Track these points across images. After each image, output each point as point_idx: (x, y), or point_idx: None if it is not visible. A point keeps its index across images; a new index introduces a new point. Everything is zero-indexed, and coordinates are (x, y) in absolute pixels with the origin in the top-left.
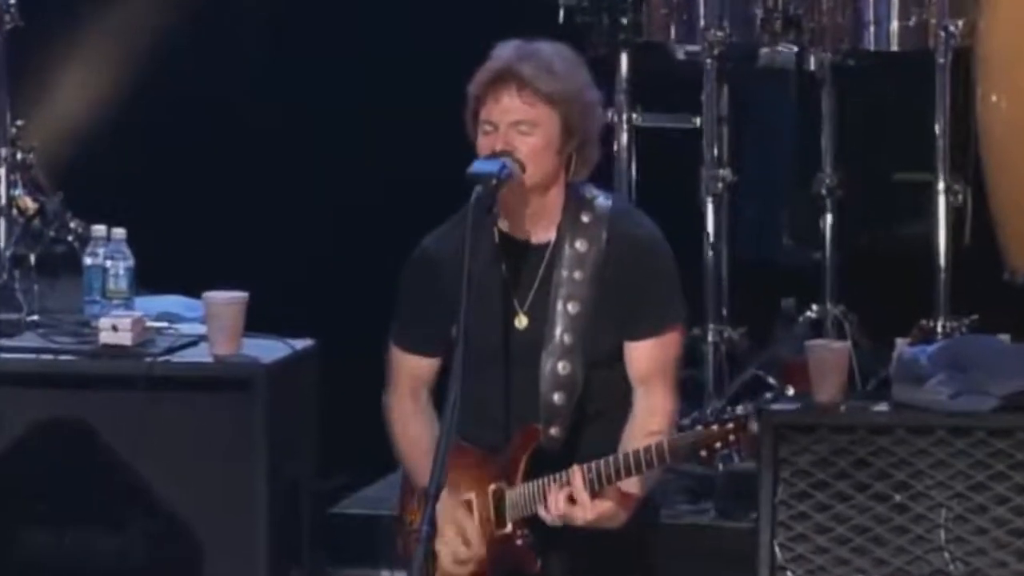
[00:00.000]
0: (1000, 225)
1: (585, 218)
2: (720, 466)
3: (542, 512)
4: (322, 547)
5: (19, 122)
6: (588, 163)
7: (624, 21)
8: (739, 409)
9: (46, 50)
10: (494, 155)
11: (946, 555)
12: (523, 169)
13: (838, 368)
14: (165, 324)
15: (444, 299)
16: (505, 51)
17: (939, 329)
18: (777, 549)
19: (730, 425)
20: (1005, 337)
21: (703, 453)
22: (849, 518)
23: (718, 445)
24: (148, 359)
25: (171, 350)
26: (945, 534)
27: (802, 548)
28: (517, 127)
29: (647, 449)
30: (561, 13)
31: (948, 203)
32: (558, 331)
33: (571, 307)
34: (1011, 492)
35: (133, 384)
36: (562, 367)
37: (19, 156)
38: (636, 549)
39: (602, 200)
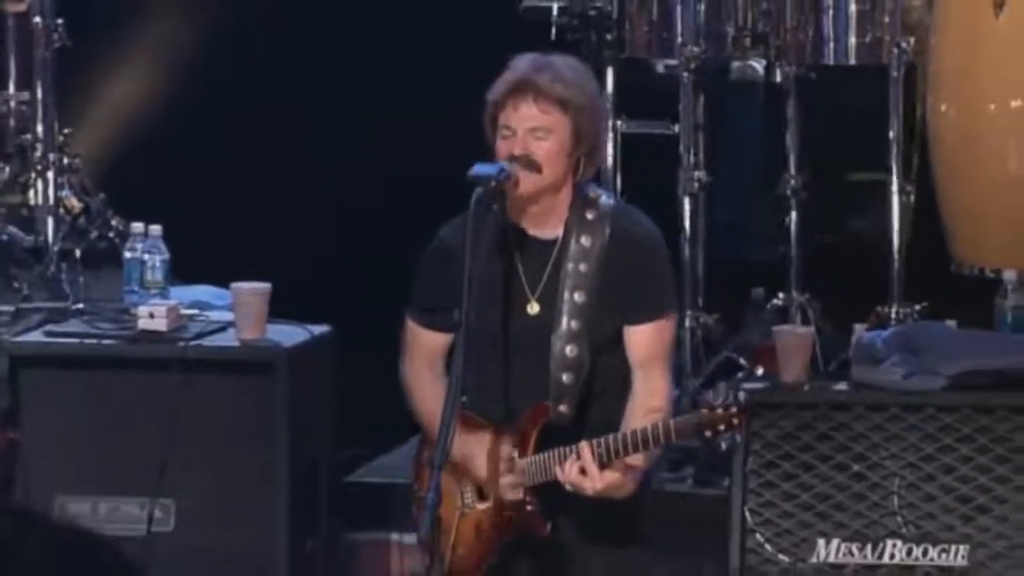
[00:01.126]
0: (948, 221)
1: (590, 215)
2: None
3: (560, 475)
4: (338, 514)
5: (66, 130)
6: (595, 165)
7: (609, 38)
8: (740, 395)
9: (90, 66)
10: (511, 159)
11: (899, 519)
12: (539, 171)
13: (803, 351)
14: (197, 312)
15: (456, 284)
16: (522, 63)
17: (893, 316)
18: (747, 514)
19: (734, 409)
20: (952, 323)
21: (707, 434)
22: (812, 486)
23: (721, 427)
24: (181, 343)
25: (202, 335)
26: (898, 500)
27: (770, 513)
28: (534, 133)
29: (653, 427)
30: (553, 31)
31: (901, 201)
32: (566, 318)
33: (578, 296)
34: (957, 462)
35: (167, 366)
36: (570, 350)
37: (66, 161)
38: (637, 516)
39: (605, 199)
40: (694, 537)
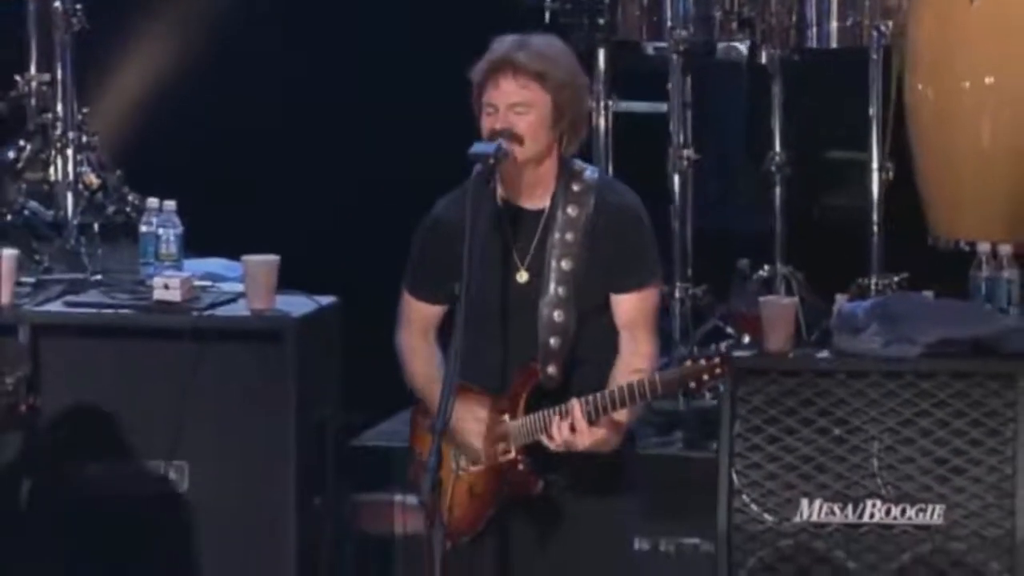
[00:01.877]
0: (925, 197)
1: (575, 187)
2: (681, 402)
3: (546, 441)
4: (344, 476)
5: (85, 110)
6: (578, 138)
7: (601, 22)
8: (723, 346)
9: (107, 49)
10: (495, 134)
11: (879, 480)
12: (521, 143)
13: (787, 320)
14: (209, 283)
15: (451, 258)
16: (503, 43)
17: (873, 287)
18: (734, 476)
19: (716, 359)
20: (929, 293)
21: (692, 385)
22: (796, 449)
23: (705, 377)
24: (194, 313)
25: (214, 305)
26: (878, 463)
27: (756, 475)
28: (514, 108)
29: (640, 383)
30: (547, 15)
31: (880, 178)
32: (553, 285)
33: (564, 264)
34: (934, 426)
35: (181, 335)
36: (557, 315)
37: (85, 139)
38: (623, 471)
39: (590, 172)
40: (683, 498)
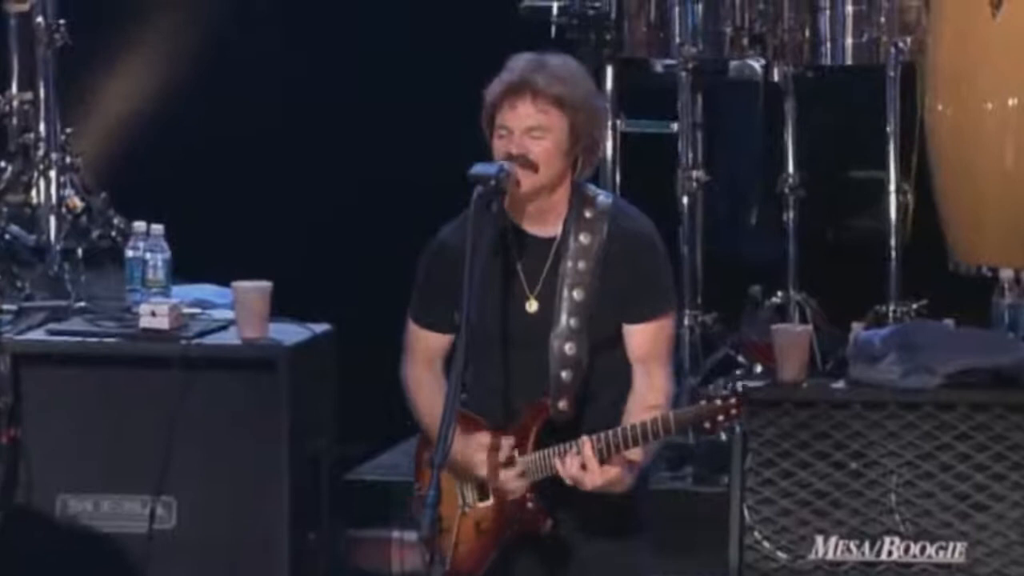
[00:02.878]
0: (946, 220)
1: (588, 214)
2: (691, 436)
3: (560, 471)
4: (339, 510)
5: (68, 130)
6: (592, 164)
7: (609, 38)
8: (739, 386)
9: (91, 66)
10: (509, 158)
11: (897, 516)
12: (536, 170)
13: (800, 349)
14: (198, 310)
15: (456, 285)
16: (519, 63)
17: (891, 314)
18: (746, 511)
19: (732, 399)
20: (950, 321)
21: (706, 425)
22: (810, 483)
23: (721, 418)
24: (183, 342)
25: (203, 334)
26: (896, 497)
27: (768, 511)
28: (531, 132)
29: (653, 421)
30: (553, 30)
31: (898, 200)
32: (564, 315)
33: (576, 294)
34: (954, 460)
35: (169, 364)
36: (569, 348)
37: (68, 160)
38: (634, 510)
39: (603, 198)
40: (694, 534)
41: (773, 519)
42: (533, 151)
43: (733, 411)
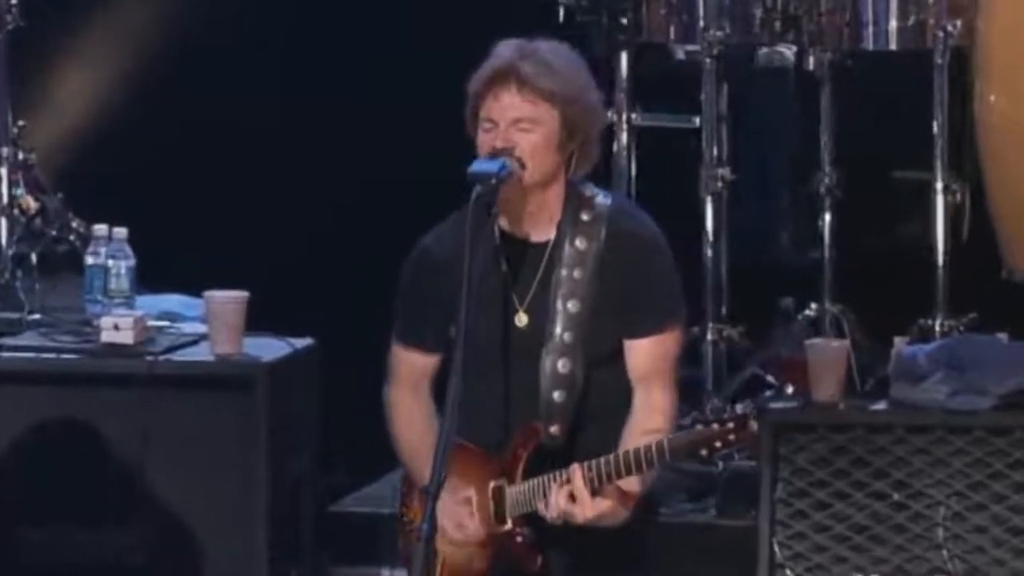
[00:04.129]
0: (999, 223)
1: (585, 216)
2: (720, 464)
3: (542, 510)
4: (322, 545)
5: (21, 123)
6: (589, 161)
7: (624, 21)
8: (739, 408)
9: (47, 52)
10: (495, 153)
11: (944, 553)
12: (523, 166)
13: (837, 367)
14: (166, 323)
15: (444, 298)
16: (506, 50)
17: (937, 328)
18: (776, 547)
19: (730, 425)
20: (1003, 336)
21: (703, 452)
22: (848, 516)
23: (718, 444)
24: (150, 358)
25: (172, 349)
26: (943, 532)
27: (801, 546)
28: (517, 124)
29: (647, 448)
30: (561, 12)
31: (946, 201)
32: (558, 329)
33: (571, 305)
34: (1009, 490)
35: (135, 383)
36: (562, 365)
37: (20, 156)
38: (635, 546)
39: (601, 198)
40: (717, 573)
41: (806, 555)
42: (520, 145)
43: (731, 436)
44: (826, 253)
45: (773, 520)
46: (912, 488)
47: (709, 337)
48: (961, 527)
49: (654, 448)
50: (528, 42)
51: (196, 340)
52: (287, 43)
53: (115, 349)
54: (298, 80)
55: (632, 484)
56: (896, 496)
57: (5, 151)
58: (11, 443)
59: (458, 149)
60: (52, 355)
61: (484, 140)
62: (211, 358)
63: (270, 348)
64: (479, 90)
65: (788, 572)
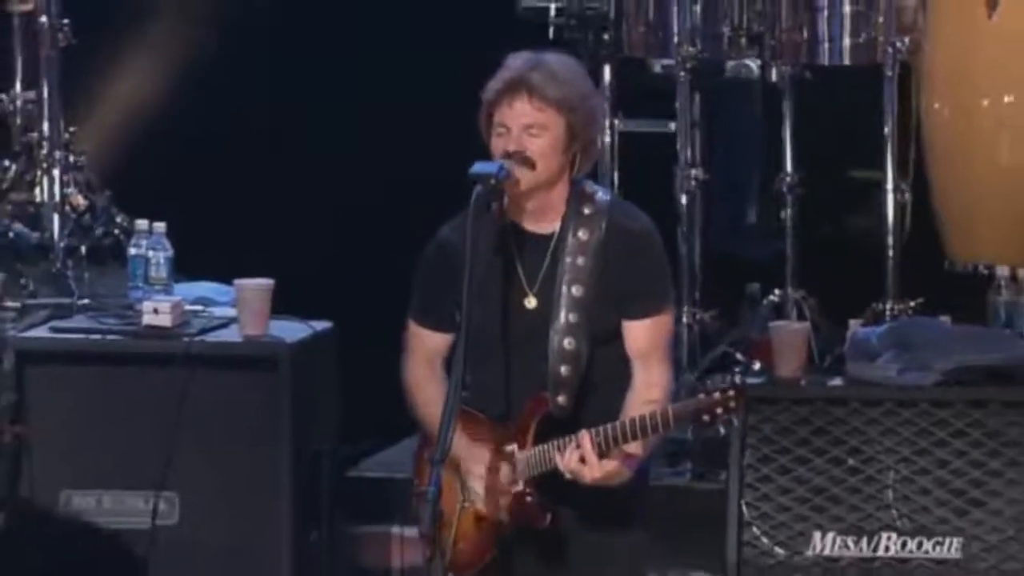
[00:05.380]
0: (942, 219)
1: (586, 210)
2: (690, 432)
3: (560, 465)
4: (341, 507)
5: (72, 128)
6: (590, 161)
7: (607, 38)
8: (737, 379)
9: (95, 65)
10: (506, 156)
11: (894, 512)
12: (533, 167)
13: (799, 346)
14: (200, 308)
15: (456, 284)
16: (517, 61)
17: (888, 312)
18: (744, 507)
19: (731, 392)
20: (946, 319)
21: (705, 418)
22: (808, 480)
23: (719, 411)
24: (185, 339)
25: (205, 331)
26: (893, 494)
27: (766, 507)
28: (528, 130)
29: (652, 415)
30: (551, 30)
31: (895, 199)
32: (563, 311)
33: (575, 290)
34: (951, 456)
35: (172, 361)
36: (568, 343)
37: (71, 159)
38: (633, 505)
39: (601, 195)
40: (692, 530)
41: (771, 515)
42: (530, 148)
43: (732, 404)
44: (788, 245)
45: (742, 483)
46: (865, 454)
47: (684, 320)
48: (908, 489)
49: (659, 415)
50: (537, 54)
51: (227, 323)
52: (309, 49)
53: (155, 331)
54: (319, 84)
55: (635, 448)
56: (851, 462)
57: (58, 155)
58: (60, 415)
59: (466, 148)
60: (98, 336)
61: (497, 144)
62: (240, 339)
63: (293, 330)
64: (493, 98)
65: (755, 530)
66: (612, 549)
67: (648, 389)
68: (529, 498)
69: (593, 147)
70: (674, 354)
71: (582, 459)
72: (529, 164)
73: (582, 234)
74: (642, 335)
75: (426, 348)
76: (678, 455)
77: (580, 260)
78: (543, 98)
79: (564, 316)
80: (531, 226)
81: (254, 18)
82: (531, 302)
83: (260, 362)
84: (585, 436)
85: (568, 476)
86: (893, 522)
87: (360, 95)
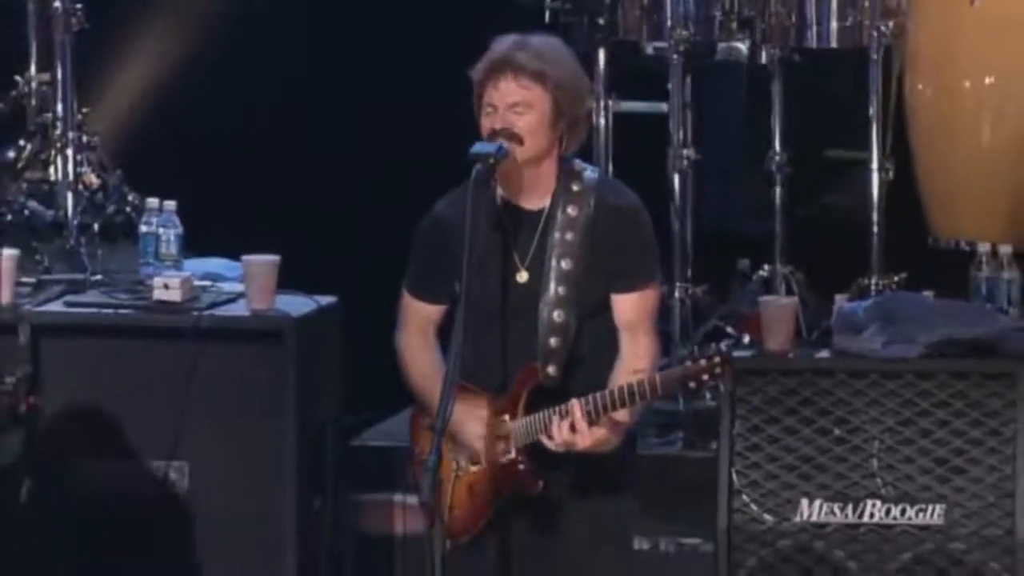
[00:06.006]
0: (925, 196)
1: (575, 187)
2: (681, 403)
3: (546, 441)
4: (344, 475)
5: (85, 110)
6: (578, 139)
7: (601, 21)
8: (723, 345)
9: (107, 49)
10: (494, 133)
11: (879, 480)
12: (520, 143)
13: (787, 320)
14: (209, 283)
15: (451, 257)
16: (503, 43)
17: (873, 286)
18: (734, 475)
19: (716, 359)
20: (929, 293)
21: (691, 385)
22: (796, 449)
23: (706, 377)
24: (195, 313)
25: (214, 305)
26: (877, 463)
27: (756, 475)
28: (514, 108)
29: (640, 383)
30: (547, 14)
31: (880, 177)
32: (553, 284)
33: (564, 264)
34: (933, 426)
35: (181, 335)
36: (557, 315)
37: (84, 139)
38: (622, 471)
39: (589, 172)
40: (683, 498)
41: (760, 482)
42: (516, 125)
43: (718, 370)
44: (777, 222)
45: (732, 452)
46: (851, 424)
47: (676, 295)
48: (893, 458)
49: (647, 383)
50: (522, 36)
51: (234, 298)
52: (315, 28)
53: (165, 306)
54: (324, 64)
55: (623, 415)
56: (837, 431)
57: (71, 135)
58: (74, 387)
59: (463, 130)
60: (111, 311)
61: (486, 122)
62: (247, 314)
63: (298, 305)
64: (480, 79)
65: (744, 497)
66: (603, 513)
67: (635, 359)
68: (522, 466)
69: (580, 124)
70: (660, 326)
71: (572, 427)
72: (517, 139)
73: (571, 210)
74: (629, 307)
75: (420, 318)
76: (669, 425)
77: (569, 235)
78: (527, 76)
79: (554, 289)
80: (522, 202)
81: (265, 3)
82: (523, 276)
83: (267, 335)
84: (576, 405)
85: (557, 447)
86: (878, 490)
87: (363, 76)
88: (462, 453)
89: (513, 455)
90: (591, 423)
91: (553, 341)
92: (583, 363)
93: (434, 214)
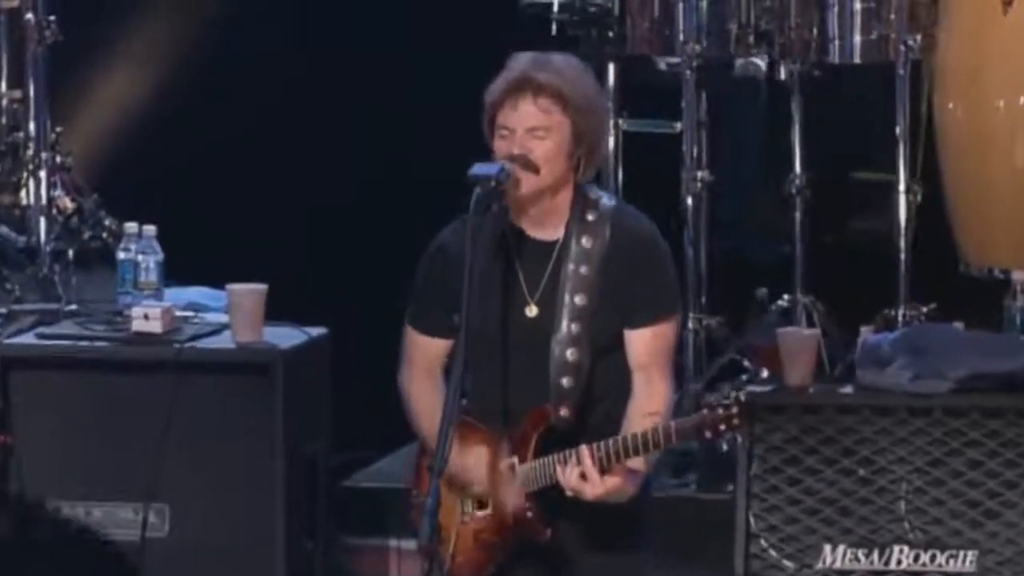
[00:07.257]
0: (955, 222)
1: (590, 217)
2: (697, 443)
3: (561, 481)
4: (336, 518)
5: (58, 129)
6: (595, 166)
7: (611, 35)
8: (741, 395)
9: (82, 64)
10: (510, 159)
11: (906, 524)
12: (537, 171)
13: (807, 353)
14: (192, 313)
15: (454, 289)
16: (521, 62)
17: (900, 317)
18: (752, 519)
19: (734, 409)
20: (960, 325)
21: (707, 434)
22: (817, 491)
23: (722, 427)
24: (176, 345)
25: (197, 337)
26: (905, 505)
27: (774, 518)
28: (533, 132)
29: (654, 431)
30: (554, 26)
31: (907, 201)
32: (566, 321)
33: (578, 299)
34: (965, 467)
35: (162, 369)
36: (570, 354)
37: (58, 160)
38: (636, 520)
39: (606, 200)
40: (698, 542)
41: (779, 526)
42: (535, 151)
43: (735, 420)
44: (797, 248)
45: (749, 494)
46: (876, 465)
47: (690, 326)
48: (921, 500)
49: (660, 431)
50: (542, 55)
51: (219, 329)
52: (303, 49)
53: (144, 337)
54: (313, 86)
55: (638, 463)
56: (862, 472)
57: (44, 155)
58: (48, 423)
59: (464, 150)
60: (87, 343)
61: (500, 146)
62: (232, 346)
63: (286, 336)
64: (497, 99)
65: (763, 542)
66: (614, 566)
67: (649, 401)
68: (529, 513)
69: (598, 151)
70: (676, 361)
71: (583, 476)
72: (533, 168)
73: (585, 241)
74: (644, 344)
75: (425, 356)
76: (684, 466)
77: (584, 269)
78: (549, 99)
79: (566, 326)
80: (534, 232)
81: (247, 17)
82: (532, 310)
83: (253, 369)
84: (585, 452)
85: (569, 494)
86: (905, 534)
87: (356, 96)
88: (468, 497)
89: (521, 501)
90: (603, 471)
91: (566, 381)
92: (598, 402)
93: (438, 242)
